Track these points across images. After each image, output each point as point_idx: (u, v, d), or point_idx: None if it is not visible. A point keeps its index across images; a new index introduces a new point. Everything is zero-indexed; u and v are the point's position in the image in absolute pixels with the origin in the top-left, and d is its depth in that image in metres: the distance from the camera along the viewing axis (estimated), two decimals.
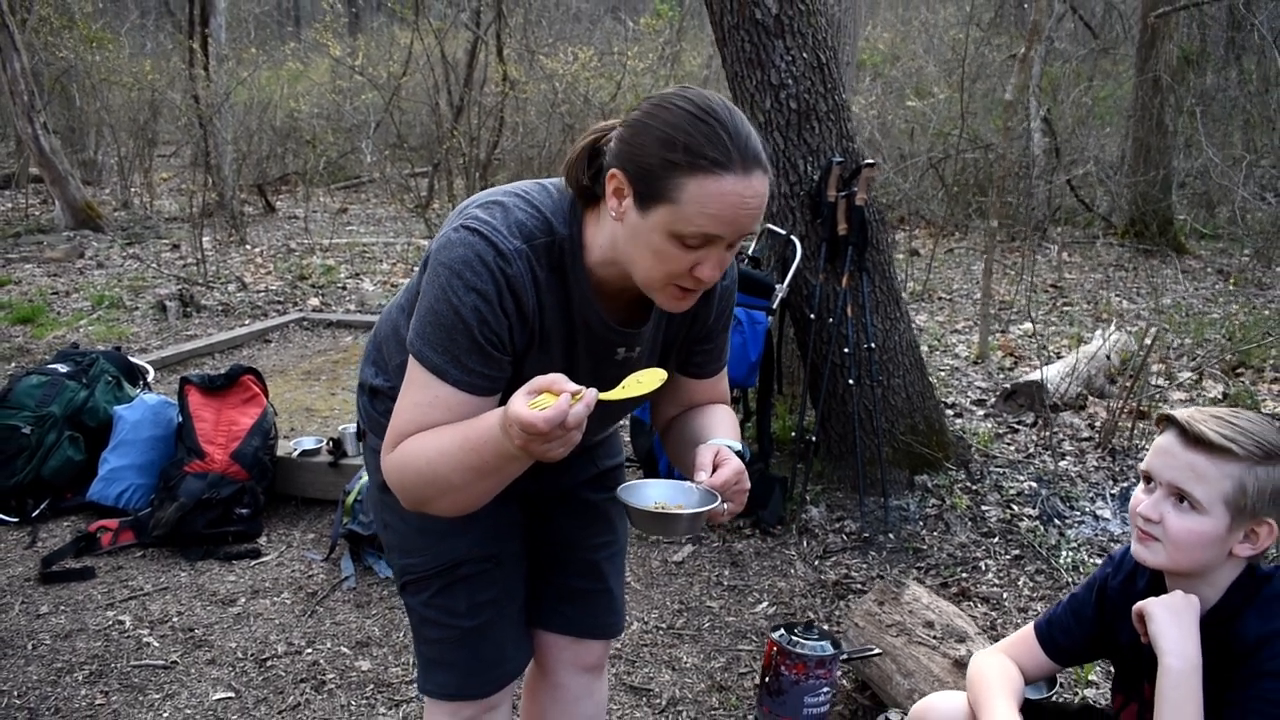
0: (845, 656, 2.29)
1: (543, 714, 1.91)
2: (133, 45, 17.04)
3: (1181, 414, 1.49)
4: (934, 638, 2.40)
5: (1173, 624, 1.46)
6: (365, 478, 2.67)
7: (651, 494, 1.51)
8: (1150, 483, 1.52)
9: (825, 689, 1.96)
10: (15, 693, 2.70)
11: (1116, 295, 9.12)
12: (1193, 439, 1.46)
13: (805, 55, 3.72)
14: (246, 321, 7.24)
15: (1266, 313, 8.13)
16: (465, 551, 1.65)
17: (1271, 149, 11.24)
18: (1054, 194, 12.71)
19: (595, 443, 1.79)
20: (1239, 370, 6.17)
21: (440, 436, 1.41)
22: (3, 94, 11.68)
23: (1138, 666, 1.59)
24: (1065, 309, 8.44)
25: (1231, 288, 9.44)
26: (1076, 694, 2.62)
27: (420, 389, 1.45)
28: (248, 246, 10.89)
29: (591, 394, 1.30)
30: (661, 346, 1.65)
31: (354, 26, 16.51)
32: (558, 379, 1.30)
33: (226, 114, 12.46)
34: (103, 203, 13.15)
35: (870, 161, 3.77)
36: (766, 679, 1.97)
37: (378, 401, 1.67)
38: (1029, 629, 1.76)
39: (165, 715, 2.61)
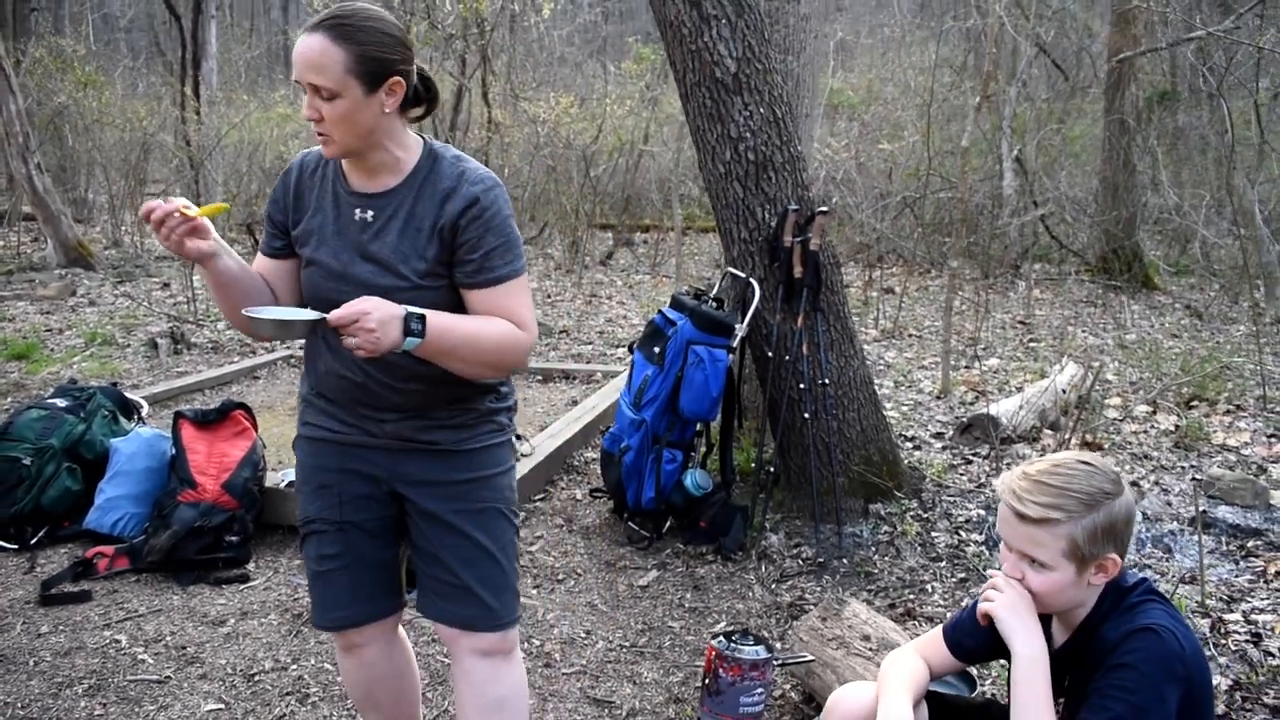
0: (779, 661, 2.52)
1: (459, 694, 2.16)
2: (124, 86, 17.31)
3: (1008, 487, 1.71)
4: (870, 649, 2.62)
5: (1016, 620, 1.71)
6: None
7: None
8: (1004, 546, 1.76)
9: (760, 690, 2.18)
10: (19, 705, 2.89)
11: (1083, 331, 9.41)
12: (1022, 517, 1.69)
13: (762, 110, 3.99)
14: (235, 359, 7.45)
15: (1229, 347, 8.42)
16: (315, 513, 2.11)
17: (1234, 186, 11.59)
18: (1027, 232, 13.04)
19: (434, 420, 2.05)
20: (1193, 403, 6.43)
21: None
22: None
23: None
24: (1031, 344, 8.71)
25: (1198, 322, 9.74)
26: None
27: None
28: None
29: (165, 204, 1.84)
30: (410, 229, 1.95)
31: None
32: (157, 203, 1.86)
33: (217, 155, 12.72)
34: (93, 240, 13.37)
35: (824, 209, 4.04)
36: (707, 681, 2.18)
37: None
38: (938, 630, 2.00)
39: None
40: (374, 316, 1.75)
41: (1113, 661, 1.63)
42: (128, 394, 4.88)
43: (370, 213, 1.96)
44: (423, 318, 1.81)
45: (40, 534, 4.07)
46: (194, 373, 6.89)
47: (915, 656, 1.95)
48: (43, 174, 12.11)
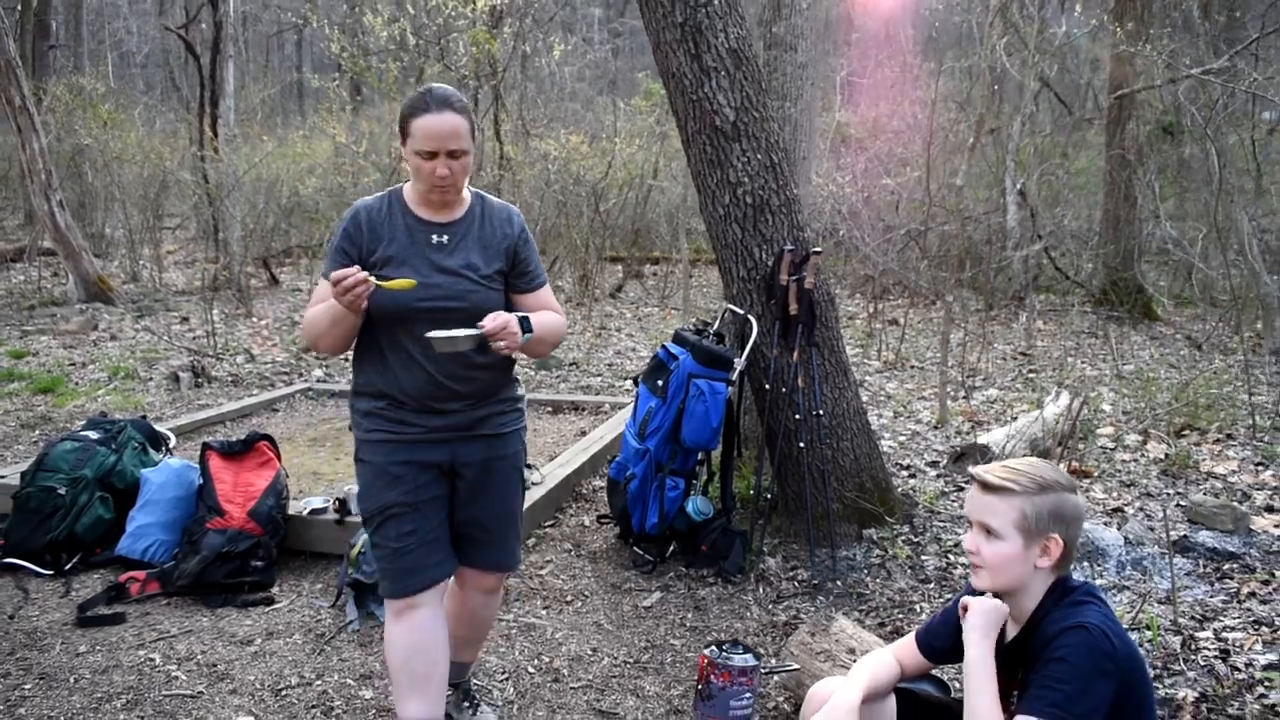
0: (767, 669, 2.72)
1: (456, 614, 2.89)
2: (143, 122, 17.71)
3: (979, 468, 1.97)
4: (853, 661, 2.82)
5: (977, 624, 1.97)
6: (367, 534, 3.18)
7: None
8: (970, 525, 2.00)
9: (748, 694, 2.38)
10: (63, 718, 3.10)
11: (1083, 361, 9.60)
12: (984, 486, 1.93)
13: (759, 156, 4.23)
14: (255, 392, 7.69)
15: (1225, 377, 8.59)
16: (393, 499, 2.60)
17: (1232, 220, 11.78)
18: (1030, 264, 13.24)
19: (483, 411, 2.69)
20: (1184, 432, 6.61)
21: (319, 305, 2.54)
22: (19, 171, 12.24)
23: (997, 664, 2.02)
24: (1031, 375, 8.90)
25: (1196, 353, 9.91)
26: None
27: (319, 289, 2.58)
28: (254, 319, 11.38)
29: (364, 275, 2.37)
30: (481, 246, 2.63)
31: (357, 107, 17.21)
32: (353, 271, 2.38)
33: (235, 192, 13.04)
34: (111, 275, 13.66)
35: (818, 250, 4.26)
36: (699, 687, 2.39)
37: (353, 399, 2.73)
38: (912, 634, 2.25)
39: None
40: (512, 323, 2.47)
41: (1048, 656, 1.85)
42: (156, 426, 5.11)
43: (445, 236, 2.62)
44: (527, 318, 2.56)
45: (74, 560, 4.30)
46: (215, 405, 7.12)
47: (888, 655, 2.21)
48: (64, 210, 12.43)
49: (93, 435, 4.66)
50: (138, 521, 4.32)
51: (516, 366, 2.82)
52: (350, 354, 2.70)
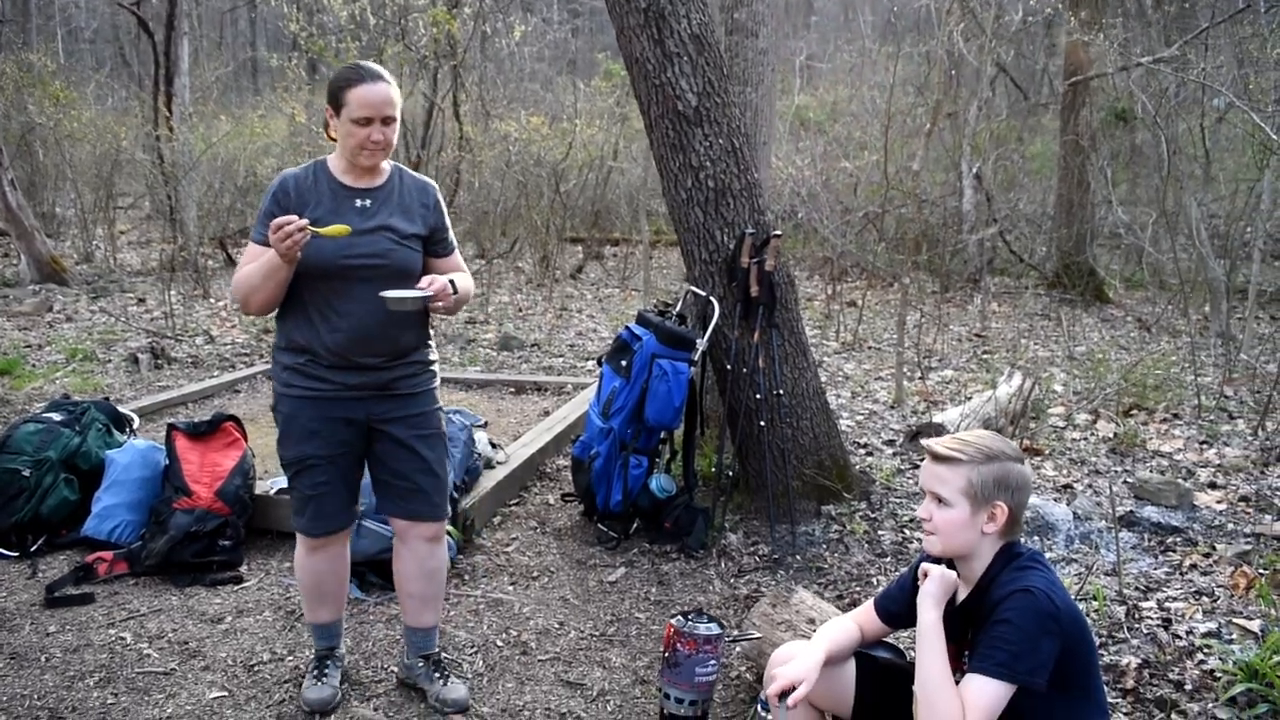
0: (730, 638, 2.82)
1: (405, 566, 3.09)
2: (94, 100, 17.43)
3: (930, 440, 2.08)
4: (813, 630, 2.92)
5: (931, 591, 2.09)
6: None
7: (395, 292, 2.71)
8: (924, 495, 2.11)
9: (713, 662, 2.47)
10: (35, 696, 3.13)
11: (1035, 343, 9.81)
12: (935, 456, 2.04)
13: (721, 141, 4.30)
14: (216, 373, 7.67)
15: (1173, 359, 8.82)
16: (310, 451, 2.86)
17: (1181, 205, 12.05)
18: (986, 246, 13.45)
19: (398, 372, 2.89)
20: (1132, 411, 6.80)
21: (251, 264, 2.73)
22: None
23: (947, 624, 2.13)
24: (985, 356, 9.08)
25: (1146, 335, 10.15)
26: None
27: (247, 251, 2.81)
28: (212, 300, 11.31)
29: (303, 221, 2.57)
30: (402, 211, 2.86)
31: (315, 86, 17.04)
32: (292, 218, 2.58)
33: (191, 172, 12.90)
34: (64, 256, 13.48)
35: (778, 233, 4.35)
36: (666, 655, 2.48)
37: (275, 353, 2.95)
38: (871, 601, 2.36)
39: (169, 712, 3.05)
40: (449, 286, 2.75)
41: (995, 618, 1.96)
42: (119, 408, 5.11)
43: (368, 200, 2.83)
44: (453, 281, 2.81)
45: (40, 541, 4.30)
46: (176, 387, 7.10)
47: (849, 621, 2.33)
48: (15, 190, 12.24)
49: (56, 417, 4.65)
50: (104, 502, 4.33)
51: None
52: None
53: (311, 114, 13.53)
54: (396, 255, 2.80)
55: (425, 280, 2.75)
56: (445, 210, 3.01)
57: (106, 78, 20.36)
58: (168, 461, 4.38)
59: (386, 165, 2.92)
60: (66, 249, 14.74)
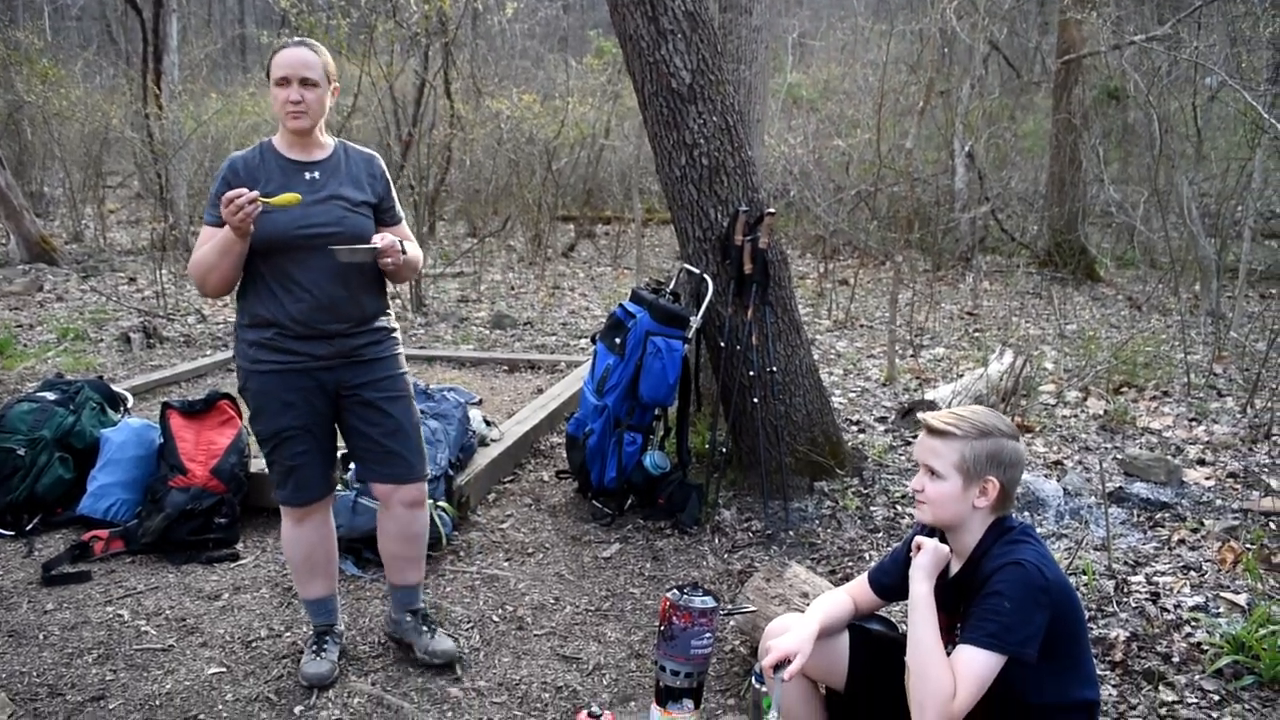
0: (725, 611, 2.85)
1: (387, 531, 3.19)
2: (83, 78, 17.29)
3: (928, 414, 2.11)
4: (806, 604, 2.95)
5: (923, 564, 2.12)
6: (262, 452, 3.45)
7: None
8: (918, 466, 2.13)
9: (708, 634, 2.49)
10: (35, 673, 3.15)
11: (1026, 321, 9.84)
12: (930, 430, 2.07)
13: (715, 119, 4.30)
14: (208, 352, 7.67)
15: (1163, 337, 8.87)
16: (287, 423, 2.92)
17: (1172, 184, 12.09)
18: (978, 225, 13.47)
19: (363, 339, 2.97)
20: (1122, 389, 6.85)
21: (205, 245, 2.80)
22: None
23: (939, 596, 2.16)
24: (976, 334, 9.12)
25: (1136, 313, 10.20)
26: None
27: (201, 234, 2.85)
28: None
29: (253, 194, 2.64)
30: (351, 181, 2.95)
31: None
32: (242, 191, 2.65)
33: (181, 150, 12.83)
34: (53, 235, 13.42)
35: (771, 210, 4.36)
36: (662, 628, 2.50)
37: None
38: (865, 574, 2.40)
39: (168, 687, 3.07)
40: (398, 244, 2.85)
41: (987, 590, 1.99)
42: (114, 387, 5.11)
43: (316, 173, 2.92)
44: (402, 243, 2.91)
45: (35, 520, 4.31)
46: (168, 366, 7.10)
47: (842, 594, 2.37)
48: (4, 169, 12.17)
49: (50, 396, 4.66)
50: (99, 481, 4.34)
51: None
52: (235, 295, 2.98)
53: None
54: (350, 222, 2.88)
55: (376, 237, 2.85)
56: (390, 180, 3.13)
57: (94, 55, 20.16)
58: (163, 440, 4.39)
59: (330, 140, 3.02)
60: (55, 228, 14.68)
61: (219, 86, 18.36)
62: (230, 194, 2.63)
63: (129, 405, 5.06)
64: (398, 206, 3.14)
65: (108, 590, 3.75)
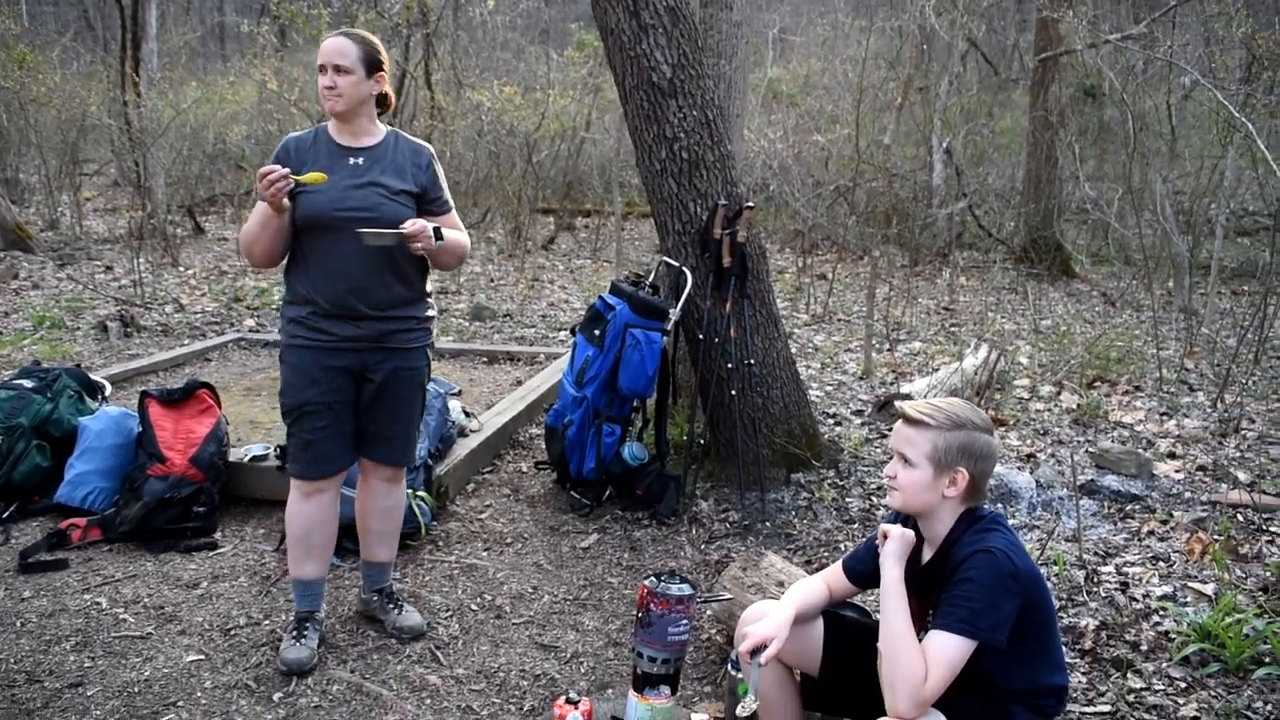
0: (702, 599, 2.89)
1: (363, 502, 3.34)
2: (60, 64, 17.13)
3: (905, 403, 2.15)
4: (782, 593, 2.99)
5: (892, 550, 2.16)
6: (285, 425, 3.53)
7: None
8: (891, 454, 2.18)
9: (684, 621, 2.53)
10: (13, 660, 3.15)
11: (1002, 316, 9.93)
12: (906, 419, 2.11)
13: (695, 113, 4.33)
14: (186, 341, 7.64)
15: (1136, 332, 8.98)
16: (311, 398, 3.03)
17: (1146, 181, 12.21)
18: (955, 221, 13.56)
19: (392, 326, 3.08)
20: (1096, 383, 6.93)
21: (252, 218, 2.96)
22: None
23: (912, 583, 2.21)
24: (953, 329, 9.19)
25: (1110, 309, 10.30)
26: None
27: (253, 209, 2.97)
28: (181, 268, 11.21)
29: (285, 170, 2.80)
30: (395, 170, 3.04)
31: (285, 53, 16.82)
32: (274, 167, 2.83)
33: (160, 138, 12.74)
34: (29, 222, 13.30)
35: (750, 205, 4.40)
36: (639, 615, 2.53)
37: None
38: (839, 562, 2.44)
39: (146, 674, 3.08)
40: (429, 229, 2.91)
41: (958, 577, 2.03)
42: (92, 375, 5.10)
43: (361, 159, 3.03)
44: (439, 229, 2.97)
45: (11, 509, 4.29)
46: (145, 355, 7.07)
47: (818, 581, 2.42)
48: None
49: (27, 384, 4.64)
50: (77, 469, 4.32)
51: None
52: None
53: (282, 80, 13.39)
54: (386, 208, 2.96)
55: (408, 223, 2.90)
56: (440, 172, 3.18)
57: (71, 42, 19.96)
58: (141, 428, 4.38)
59: (382, 128, 3.14)
60: (31, 215, 14.53)
61: (198, 75, 18.24)
62: (264, 169, 2.80)
63: (107, 393, 5.04)
64: (446, 196, 3.20)
65: (85, 578, 3.74)
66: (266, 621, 3.44)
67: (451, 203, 3.24)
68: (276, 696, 2.98)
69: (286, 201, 2.89)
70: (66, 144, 14.39)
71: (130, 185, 14.07)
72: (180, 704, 2.93)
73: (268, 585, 3.70)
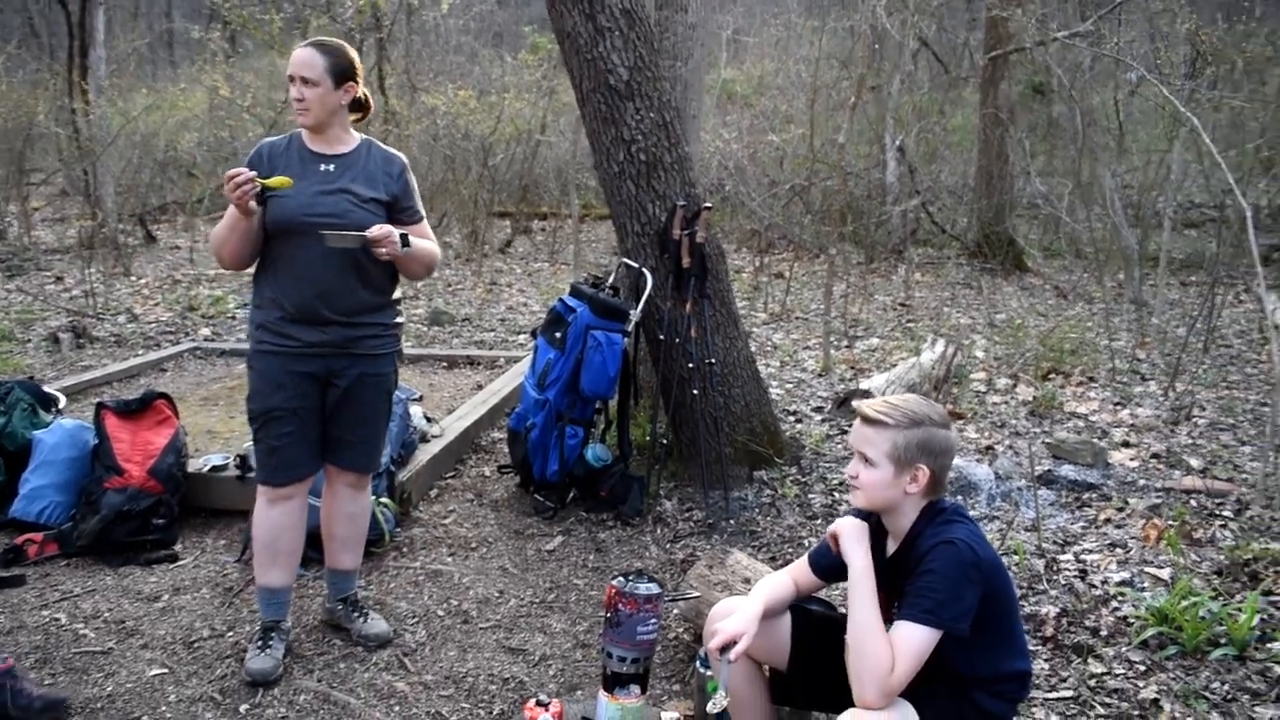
0: (670, 597, 2.91)
1: (328, 509, 3.33)
2: (4, 72, 16.82)
3: (861, 403, 2.17)
4: (748, 590, 3.01)
5: (852, 542, 2.19)
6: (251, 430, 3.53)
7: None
8: (853, 453, 2.21)
9: (653, 620, 2.55)
10: None
11: (958, 311, 10.04)
12: (864, 419, 2.14)
13: (652, 115, 4.35)
14: (140, 352, 7.53)
15: (1088, 324, 9.11)
16: (277, 403, 3.04)
17: (1095, 176, 12.41)
18: (909, 218, 13.69)
19: (359, 332, 3.09)
20: (1051, 375, 7.04)
21: (222, 220, 2.96)
22: None
23: (880, 578, 2.23)
24: (909, 325, 9.28)
25: (1063, 302, 10.46)
26: None
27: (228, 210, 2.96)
28: (133, 278, 11.05)
29: (251, 173, 2.82)
30: (365, 178, 3.05)
31: (237, 59, 16.64)
32: (242, 170, 2.84)
33: (109, 147, 12.56)
34: None
35: (708, 205, 4.43)
36: (608, 615, 2.54)
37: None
38: (805, 557, 2.47)
39: (109, 690, 3.04)
40: (395, 234, 2.92)
41: (921, 569, 2.07)
42: (46, 387, 5.01)
43: (332, 166, 3.05)
44: (406, 236, 2.98)
45: None
46: (100, 366, 6.96)
47: (784, 576, 2.45)
48: None
49: None
50: (31, 483, 4.25)
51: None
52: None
53: (233, 87, 13.24)
54: (355, 215, 2.98)
55: (374, 228, 2.92)
56: (412, 182, 3.21)
57: (15, 49, 19.59)
58: (97, 441, 4.31)
59: (356, 137, 3.15)
60: None
61: (147, 81, 17.98)
62: (231, 172, 2.81)
63: (61, 406, 4.96)
64: (418, 206, 3.22)
65: (43, 594, 3.69)
66: (230, 633, 3.40)
67: (423, 213, 3.25)
68: (243, 709, 2.95)
69: (255, 205, 2.91)
70: (13, 153, 14.09)
71: (79, 194, 13.83)
72: (144, 718, 2.89)
73: (230, 596, 3.67)
